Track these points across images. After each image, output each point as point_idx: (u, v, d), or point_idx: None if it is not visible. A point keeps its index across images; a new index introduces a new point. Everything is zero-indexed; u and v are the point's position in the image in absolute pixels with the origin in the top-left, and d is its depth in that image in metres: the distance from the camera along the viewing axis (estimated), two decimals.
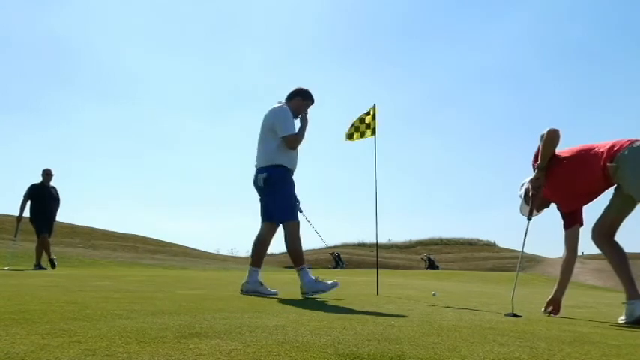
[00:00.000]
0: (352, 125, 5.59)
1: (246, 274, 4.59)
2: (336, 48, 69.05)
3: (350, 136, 5.60)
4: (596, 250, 3.68)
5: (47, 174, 10.00)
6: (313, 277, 4.39)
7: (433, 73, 67.21)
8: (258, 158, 4.59)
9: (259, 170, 4.52)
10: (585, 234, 3.65)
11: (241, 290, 4.51)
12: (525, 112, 62.92)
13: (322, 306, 3.53)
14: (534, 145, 3.66)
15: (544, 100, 61.68)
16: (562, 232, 3.79)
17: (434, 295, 5.48)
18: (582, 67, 63.43)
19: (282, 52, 68.19)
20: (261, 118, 4.66)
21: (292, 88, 4.75)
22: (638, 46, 60.67)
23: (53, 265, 9.84)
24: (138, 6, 61.89)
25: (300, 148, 4.59)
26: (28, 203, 9.86)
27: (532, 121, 62.15)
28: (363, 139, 5.53)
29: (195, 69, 65.47)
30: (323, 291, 4.38)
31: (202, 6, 64.36)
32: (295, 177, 4.62)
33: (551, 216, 3.78)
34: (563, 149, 3.63)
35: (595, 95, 62.53)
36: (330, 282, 4.42)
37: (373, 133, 5.43)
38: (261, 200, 4.61)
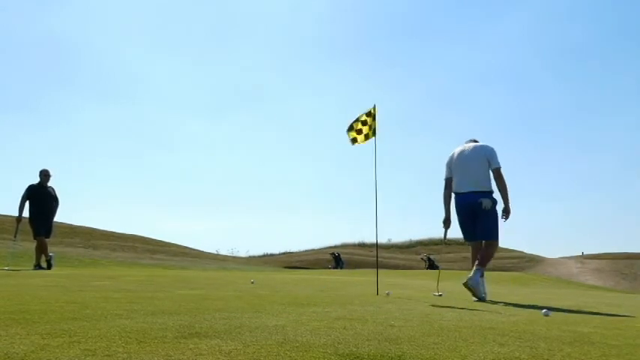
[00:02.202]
0: (352, 128, 5.55)
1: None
2: (336, 48, 69.01)
3: (354, 141, 5.57)
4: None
5: (45, 174, 9.97)
6: (480, 280, 5.11)
7: (433, 73, 67.18)
8: (471, 183, 5.26)
9: (479, 194, 5.21)
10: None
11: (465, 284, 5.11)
12: (525, 113, 62.90)
13: (322, 306, 3.53)
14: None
15: (544, 100, 61.69)
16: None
17: (440, 295, 5.41)
18: (583, 68, 63.41)
19: (282, 52, 68.13)
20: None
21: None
22: (639, 47, 60.65)
23: (49, 266, 9.81)
24: (138, 6, 61.84)
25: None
26: (27, 204, 9.85)
27: (532, 121, 62.22)
28: (367, 142, 5.50)
29: (195, 69, 65.40)
30: (475, 295, 5.03)
31: (202, 6, 64.33)
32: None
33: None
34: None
35: (595, 95, 62.56)
36: (484, 295, 5.11)
37: (373, 133, 5.43)
38: (470, 220, 5.31)
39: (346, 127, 5.58)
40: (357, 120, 5.52)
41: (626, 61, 58.30)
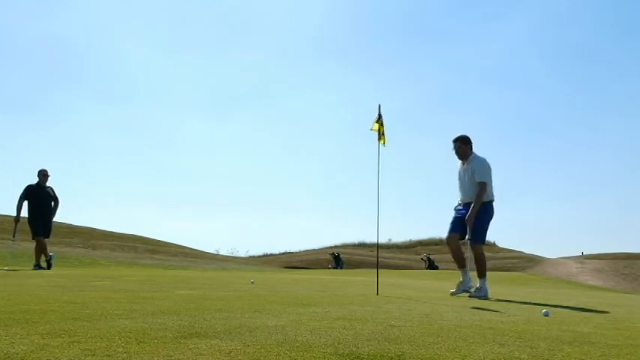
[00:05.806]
0: (381, 132, 5.55)
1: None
2: (338, 48, 68.81)
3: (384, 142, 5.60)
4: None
5: (43, 174, 9.96)
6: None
7: (435, 74, 66.99)
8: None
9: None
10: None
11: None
12: (527, 113, 62.73)
13: (322, 306, 3.54)
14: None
15: (546, 101, 61.46)
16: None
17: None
18: (584, 68, 63.27)
19: (283, 52, 67.97)
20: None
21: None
22: None
23: (49, 266, 9.80)
24: (139, 6, 61.81)
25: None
26: (25, 204, 9.84)
27: (533, 121, 62.11)
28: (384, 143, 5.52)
29: (196, 69, 65.25)
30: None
31: (204, 6, 64.28)
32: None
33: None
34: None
35: (596, 96, 62.47)
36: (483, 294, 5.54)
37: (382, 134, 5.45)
38: None
39: (371, 128, 5.58)
40: (379, 122, 5.53)
41: (627, 61, 58.19)
